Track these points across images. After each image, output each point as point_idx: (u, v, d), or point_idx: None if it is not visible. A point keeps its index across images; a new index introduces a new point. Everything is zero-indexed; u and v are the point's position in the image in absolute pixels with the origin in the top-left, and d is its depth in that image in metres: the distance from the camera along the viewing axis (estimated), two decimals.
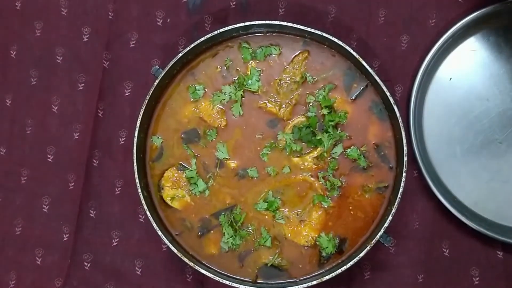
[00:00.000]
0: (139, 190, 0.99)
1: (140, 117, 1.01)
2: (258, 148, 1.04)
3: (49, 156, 1.14)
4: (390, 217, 0.97)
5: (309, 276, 1.01)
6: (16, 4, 1.17)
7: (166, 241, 0.98)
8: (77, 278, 1.10)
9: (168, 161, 1.05)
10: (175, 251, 0.98)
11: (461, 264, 1.07)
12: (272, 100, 1.04)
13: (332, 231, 1.02)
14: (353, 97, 1.03)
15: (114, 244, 1.11)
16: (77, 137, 1.14)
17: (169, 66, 1.02)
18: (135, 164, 1.00)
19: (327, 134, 1.02)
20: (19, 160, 1.14)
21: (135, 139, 1.01)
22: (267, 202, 1.02)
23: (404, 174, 0.97)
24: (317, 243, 1.01)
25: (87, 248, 1.11)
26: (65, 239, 1.12)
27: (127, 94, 1.14)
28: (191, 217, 1.03)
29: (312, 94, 1.03)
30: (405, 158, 0.97)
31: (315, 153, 1.03)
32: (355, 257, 0.96)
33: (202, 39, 1.02)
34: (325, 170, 1.02)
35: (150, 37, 1.15)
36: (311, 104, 1.03)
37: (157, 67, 1.04)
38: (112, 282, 1.10)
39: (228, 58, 1.05)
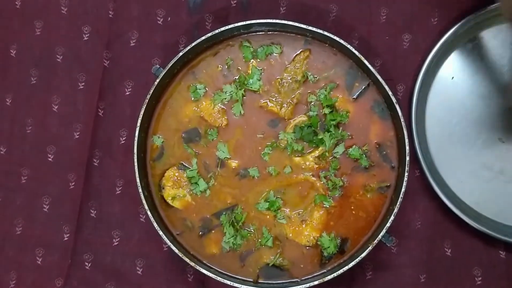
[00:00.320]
0: (140, 190, 0.99)
1: (140, 116, 1.00)
2: (259, 148, 1.03)
3: (50, 156, 1.14)
4: (392, 217, 0.96)
5: (310, 276, 1.00)
6: (16, 3, 1.17)
7: (167, 241, 0.98)
8: (77, 278, 1.10)
9: (169, 160, 1.04)
10: (176, 251, 0.98)
11: (463, 264, 1.07)
12: (273, 99, 1.04)
13: (333, 231, 1.01)
14: (354, 96, 1.03)
15: (115, 244, 1.11)
16: (77, 136, 1.13)
17: (169, 65, 1.01)
18: (135, 163, 1.00)
19: (329, 133, 1.01)
20: (19, 159, 1.14)
21: (136, 138, 1.00)
22: (269, 202, 1.01)
23: (406, 174, 0.96)
24: (319, 243, 1.01)
25: (87, 248, 1.11)
26: (65, 239, 1.11)
27: (127, 93, 1.14)
28: (192, 217, 1.03)
29: (314, 93, 1.03)
30: (407, 158, 0.97)
31: (316, 153, 1.02)
32: (357, 257, 0.96)
33: (203, 38, 1.01)
34: (326, 169, 1.02)
35: (151, 36, 1.14)
36: (312, 103, 1.03)
37: (158, 66, 1.03)
38: (112, 282, 1.10)
39: (229, 57, 1.05)
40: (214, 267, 1.01)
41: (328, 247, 1.00)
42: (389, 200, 1.01)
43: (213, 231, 1.02)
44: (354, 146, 1.02)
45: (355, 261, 0.96)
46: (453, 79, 1.10)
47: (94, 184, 1.12)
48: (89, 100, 1.14)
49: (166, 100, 1.05)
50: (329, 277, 0.96)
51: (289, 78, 1.04)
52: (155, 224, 0.98)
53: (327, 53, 1.03)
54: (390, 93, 0.99)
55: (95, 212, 1.12)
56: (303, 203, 1.02)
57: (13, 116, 1.15)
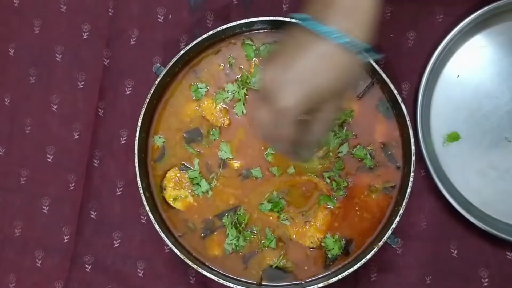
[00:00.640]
0: (141, 191, 0.98)
1: (141, 116, 0.99)
2: (262, 148, 1.02)
3: (49, 156, 1.12)
4: (398, 218, 0.95)
5: (314, 278, 0.99)
6: (15, 1, 1.16)
7: (169, 243, 0.97)
8: (78, 280, 1.09)
9: (170, 161, 1.03)
10: (178, 252, 0.96)
11: (470, 265, 1.05)
12: None
13: (338, 232, 1.00)
14: (359, 95, 1.01)
15: (116, 245, 1.09)
16: (77, 136, 1.12)
17: (170, 64, 1.00)
18: (136, 164, 0.98)
19: (333, 133, 1.00)
20: (19, 160, 1.13)
21: (137, 138, 0.99)
22: (272, 203, 1.00)
23: (412, 174, 0.95)
24: (323, 244, 0.99)
25: (88, 250, 1.09)
26: (65, 240, 1.10)
27: (128, 92, 1.12)
28: (194, 218, 1.02)
29: None
30: (413, 158, 0.95)
31: (320, 153, 1.01)
32: (362, 259, 0.94)
33: (204, 36, 1.00)
34: (330, 170, 1.00)
35: (151, 35, 1.13)
36: None
37: (159, 65, 1.02)
38: (113, 285, 1.08)
39: (231, 55, 1.04)
40: (216, 269, 1.00)
41: (333, 248, 0.99)
42: (394, 201, 0.99)
43: (215, 233, 1.01)
44: (358, 146, 1.01)
45: (360, 262, 0.94)
46: (458, 77, 1.09)
47: (94, 185, 1.11)
48: (89, 100, 1.12)
49: (167, 99, 1.04)
50: (333, 279, 0.95)
51: None
52: (156, 226, 0.97)
53: None
54: (395, 91, 0.97)
55: (95, 213, 1.10)
56: (306, 204, 1.01)
57: (12, 116, 1.14)
